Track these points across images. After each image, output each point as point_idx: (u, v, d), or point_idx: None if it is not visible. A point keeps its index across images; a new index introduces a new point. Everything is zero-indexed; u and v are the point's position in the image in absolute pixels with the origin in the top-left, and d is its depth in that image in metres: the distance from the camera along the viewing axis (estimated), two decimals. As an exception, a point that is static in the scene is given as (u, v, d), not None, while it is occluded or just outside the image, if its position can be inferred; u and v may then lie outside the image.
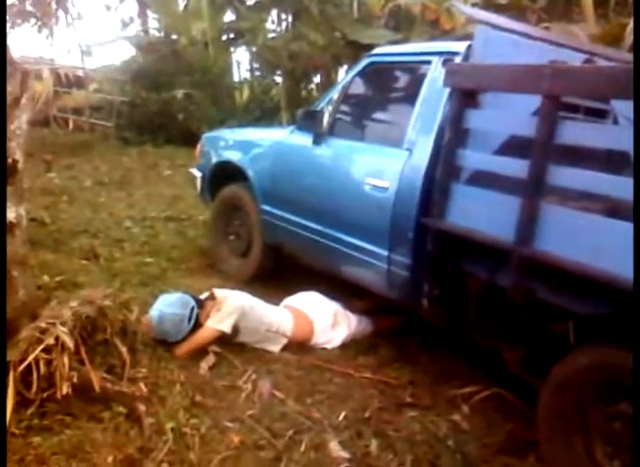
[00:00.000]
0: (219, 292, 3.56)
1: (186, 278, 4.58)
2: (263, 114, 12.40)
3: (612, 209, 2.46)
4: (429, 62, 3.32)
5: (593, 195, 2.43)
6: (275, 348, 3.52)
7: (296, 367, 3.36)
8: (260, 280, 4.43)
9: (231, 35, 14.18)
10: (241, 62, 14.97)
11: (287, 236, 4.16)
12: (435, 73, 3.24)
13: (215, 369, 3.22)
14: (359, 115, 4.02)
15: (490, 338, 3.05)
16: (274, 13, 13.37)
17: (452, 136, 2.89)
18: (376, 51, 3.88)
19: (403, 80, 3.84)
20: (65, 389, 2.55)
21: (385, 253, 3.32)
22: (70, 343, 2.63)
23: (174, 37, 13.96)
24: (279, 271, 4.54)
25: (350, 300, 3.94)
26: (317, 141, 3.89)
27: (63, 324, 2.69)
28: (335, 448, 2.67)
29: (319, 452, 2.64)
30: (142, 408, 2.69)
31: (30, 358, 2.55)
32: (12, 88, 2.92)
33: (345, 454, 2.64)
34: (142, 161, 10.44)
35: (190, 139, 9.79)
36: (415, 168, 3.18)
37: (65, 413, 2.59)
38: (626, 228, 2.17)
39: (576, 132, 2.47)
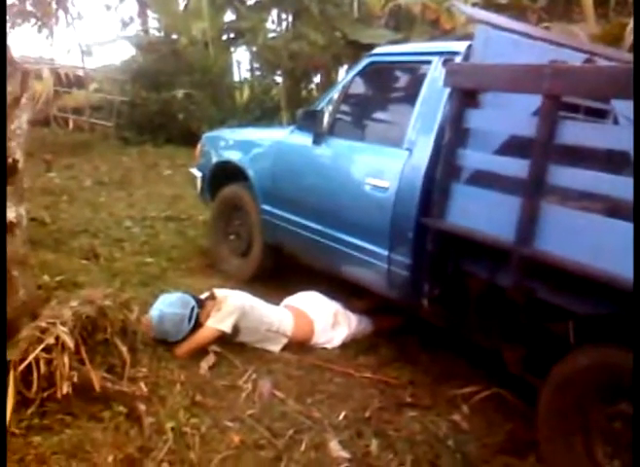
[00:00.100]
0: (219, 292, 3.56)
1: (186, 278, 4.58)
2: (263, 114, 12.40)
3: (612, 209, 2.46)
4: (429, 62, 3.32)
5: (593, 194, 2.44)
6: (275, 348, 3.52)
7: (296, 366, 3.36)
8: (260, 280, 4.43)
9: (232, 35, 14.18)
10: (241, 62, 15.01)
11: (287, 236, 4.16)
12: (435, 73, 3.24)
13: (215, 368, 3.22)
14: (359, 115, 4.02)
15: (490, 338, 3.05)
16: (274, 12, 13.38)
17: (452, 136, 2.89)
18: (377, 50, 3.88)
19: (403, 80, 3.84)
20: (65, 389, 2.55)
21: (385, 253, 3.32)
22: (70, 343, 2.63)
23: (174, 37, 13.96)
24: (279, 271, 4.54)
25: (350, 299, 3.94)
26: (317, 141, 3.89)
27: (63, 324, 2.69)
28: (335, 447, 2.67)
29: (319, 452, 2.64)
30: (142, 407, 2.69)
31: (30, 358, 2.55)
32: (12, 87, 2.92)
33: (345, 454, 2.64)
34: (142, 161, 10.44)
35: (190, 139, 9.80)
36: (415, 168, 3.18)
37: (65, 413, 2.59)
38: (626, 228, 2.17)
39: (576, 132, 2.47)
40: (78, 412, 2.61)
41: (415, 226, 3.12)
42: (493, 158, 2.82)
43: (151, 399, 2.80)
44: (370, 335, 3.82)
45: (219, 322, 3.34)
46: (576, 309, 2.55)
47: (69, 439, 2.47)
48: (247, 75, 14.58)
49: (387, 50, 3.93)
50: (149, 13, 16.06)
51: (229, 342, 3.40)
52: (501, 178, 2.70)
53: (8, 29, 11.31)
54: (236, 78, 14.46)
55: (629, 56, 3.75)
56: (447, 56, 3.19)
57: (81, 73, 15.56)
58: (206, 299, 3.51)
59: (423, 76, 3.33)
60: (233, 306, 3.39)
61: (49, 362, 2.57)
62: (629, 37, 6.89)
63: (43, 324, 2.69)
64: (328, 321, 3.67)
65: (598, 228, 2.33)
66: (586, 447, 2.45)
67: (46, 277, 4.02)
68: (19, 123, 2.95)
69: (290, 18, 13.00)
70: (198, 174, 5.07)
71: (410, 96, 3.38)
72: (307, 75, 12.92)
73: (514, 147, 2.71)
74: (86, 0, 30.70)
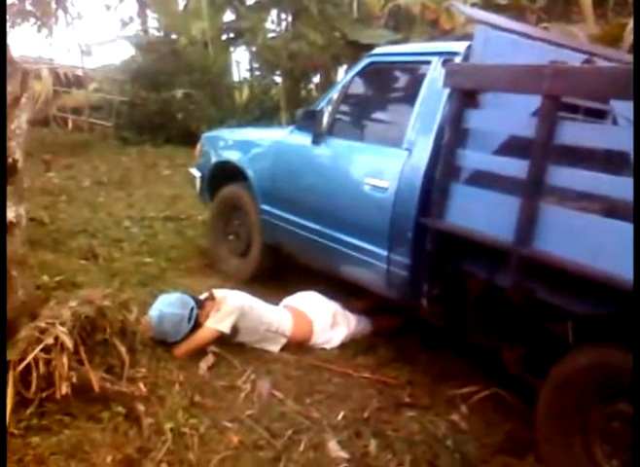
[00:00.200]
0: (218, 292, 3.56)
1: (185, 278, 4.58)
2: (262, 114, 12.40)
3: (611, 209, 2.47)
4: (429, 62, 3.32)
5: (593, 195, 2.44)
6: (274, 348, 3.52)
7: (295, 367, 3.36)
8: (259, 280, 4.42)
9: (231, 35, 14.19)
10: (241, 62, 15.01)
11: (286, 236, 4.16)
12: (434, 73, 3.24)
13: (214, 369, 3.22)
14: (358, 115, 4.02)
15: (489, 338, 3.05)
16: (274, 12, 13.39)
17: (452, 136, 2.90)
18: (376, 51, 3.88)
19: (402, 80, 3.84)
20: (64, 389, 2.55)
21: (385, 253, 3.32)
22: (69, 343, 2.63)
23: (174, 37, 13.96)
24: (278, 271, 4.54)
25: (349, 300, 3.94)
26: (317, 141, 3.89)
27: (62, 324, 2.68)
28: (333, 447, 2.67)
29: (318, 452, 2.64)
30: (141, 408, 2.69)
31: (29, 358, 2.54)
32: (12, 87, 2.91)
33: (344, 454, 2.64)
34: (141, 161, 10.44)
35: (189, 139, 9.80)
36: (415, 168, 3.18)
37: (64, 413, 2.59)
38: (625, 228, 2.17)
39: (575, 133, 2.47)
40: (77, 412, 2.61)
41: (415, 226, 3.12)
42: (492, 158, 2.82)
43: (150, 399, 2.80)
44: (369, 335, 3.82)
45: (218, 322, 3.34)
46: (575, 310, 2.55)
47: (68, 439, 2.47)
48: (246, 75, 14.61)
49: (387, 50, 3.93)
50: (148, 12, 16.07)
51: (228, 343, 3.40)
52: (500, 178, 2.71)
53: (7, 29, 11.28)
54: (236, 78, 14.48)
55: (629, 57, 3.75)
56: (447, 57, 3.19)
57: (80, 73, 15.55)
58: (205, 299, 3.50)
59: (423, 76, 3.33)
60: (232, 307, 3.38)
61: (48, 362, 2.57)
62: (628, 37, 6.90)
63: (42, 324, 2.68)
64: (327, 321, 3.67)
65: (597, 228, 2.33)
66: (585, 446, 2.46)
67: (45, 277, 4.02)
68: (19, 122, 2.95)
69: (289, 18, 13.01)
70: (198, 174, 5.07)
71: (410, 97, 3.38)
72: (307, 75, 12.91)
73: (513, 147, 2.71)
74: (85, 0, 30.65)
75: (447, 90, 3.04)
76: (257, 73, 14.25)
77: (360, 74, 3.85)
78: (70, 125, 14.80)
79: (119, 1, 16.84)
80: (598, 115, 3.37)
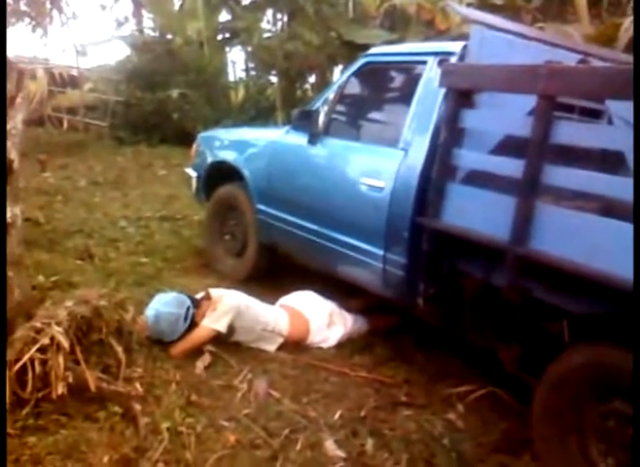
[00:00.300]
0: (214, 291, 3.56)
1: (181, 278, 4.58)
2: (258, 114, 12.39)
3: (606, 209, 2.47)
4: (424, 62, 3.32)
5: (588, 194, 2.45)
6: (271, 348, 3.52)
7: (291, 366, 3.37)
8: (255, 280, 4.43)
9: (227, 35, 14.17)
10: (236, 62, 15.00)
11: (282, 236, 4.16)
12: (430, 73, 3.24)
13: (211, 368, 3.22)
14: (354, 115, 4.02)
15: (485, 337, 3.06)
16: (270, 12, 13.37)
17: (448, 136, 2.90)
18: (372, 51, 3.89)
19: (398, 80, 3.84)
20: (60, 389, 2.55)
21: (381, 252, 3.32)
22: (65, 343, 2.63)
23: (169, 37, 13.95)
24: (275, 271, 4.54)
25: (346, 299, 3.94)
26: (312, 141, 3.89)
27: (58, 324, 2.68)
28: (330, 447, 2.68)
29: (315, 451, 2.64)
30: (138, 407, 2.69)
31: (25, 358, 2.54)
32: (7, 87, 2.91)
33: (341, 453, 2.64)
34: (137, 161, 10.42)
35: (185, 139, 9.78)
36: (411, 168, 3.19)
37: (60, 413, 2.59)
38: (621, 227, 2.18)
39: (571, 132, 2.48)
40: (73, 412, 2.61)
41: (411, 225, 3.13)
42: (488, 157, 2.83)
43: (146, 399, 2.79)
44: (365, 334, 3.83)
45: (214, 322, 3.34)
46: (571, 309, 2.56)
47: (64, 439, 2.47)
48: (242, 75, 14.60)
49: (382, 50, 3.94)
50: (144, 12, 16.04)
51: (224, 342, 3.40)
52: (496, 178, 2.71)
53: (2, 29, 11.25)
54: (231, 78, 14.47)
55: (624, 57, 3.76)
56: (443, 57, 3.18)
57: (75, 73, 15.50)
58: (202, 298, 3.50)
59: (419, 76, 3.34)
60: (229, 306, 3.39)
61: (44, 362, 2.57)
62: (623, 37, 6.91)
63: (38, 324, 2.68)
64: (323, 321, 3.67)
65: (593, 227, 2.34)
66: (581, 445, 2.46)
67: (40, 278, 4.01)
68: (15, 122, 2.95)
69: (285, 18, 13.00)
70: (194, 174, 5.07)
71: (406, 96, 3.39)
72: (302, 75, 12.92)
73: (509, 147, 2.72)
74: (80, 0, 30.57)
75: (443, 90, 3.05)
76: (252, 73, 14.24)
77: (356, 74, 3.86)
78: (65, 125, 14.75)
79: (114, 1, 16.90)
80: (593, 115, 3.38)
